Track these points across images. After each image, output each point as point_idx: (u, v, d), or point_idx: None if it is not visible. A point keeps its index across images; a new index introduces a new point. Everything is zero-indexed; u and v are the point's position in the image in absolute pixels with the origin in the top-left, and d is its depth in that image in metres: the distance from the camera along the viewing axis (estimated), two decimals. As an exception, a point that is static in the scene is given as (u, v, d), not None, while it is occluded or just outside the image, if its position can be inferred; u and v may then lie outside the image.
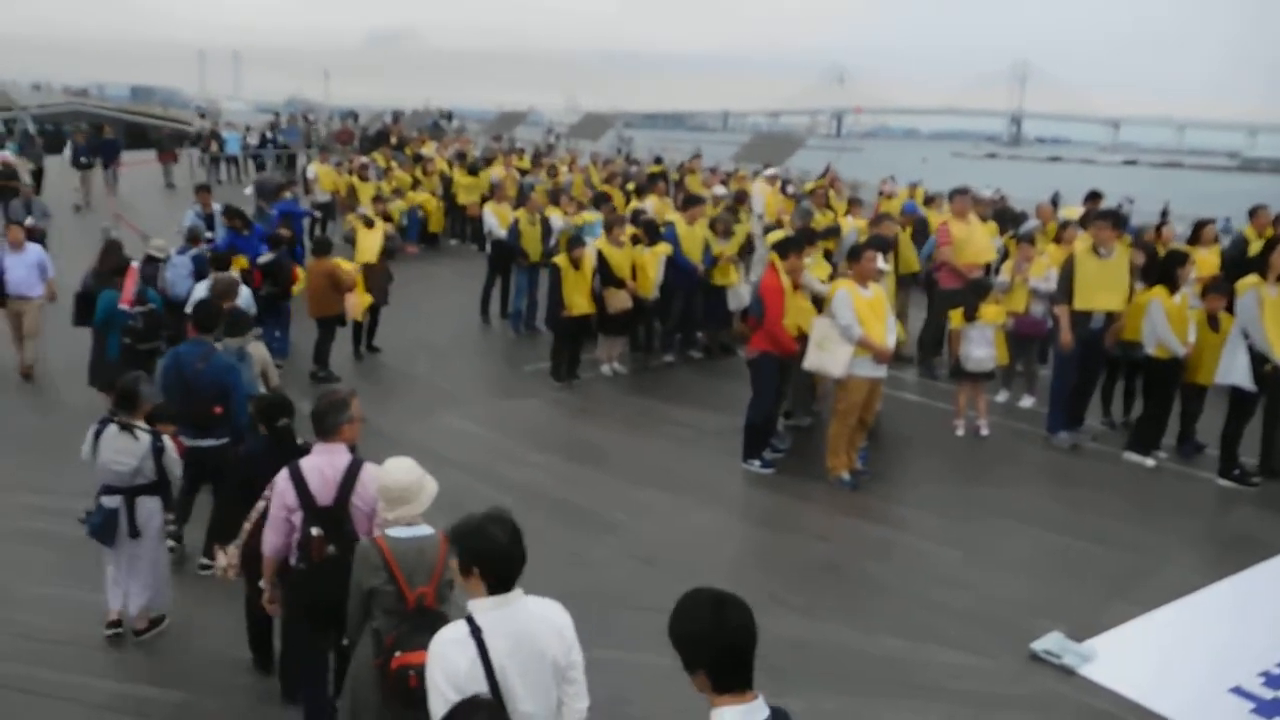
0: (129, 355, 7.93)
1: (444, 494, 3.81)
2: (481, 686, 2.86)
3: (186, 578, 6.01)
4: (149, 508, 5.31)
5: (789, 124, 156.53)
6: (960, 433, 9.11)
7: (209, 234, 11.19)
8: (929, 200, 15.16)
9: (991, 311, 8.91)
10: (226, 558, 4.67)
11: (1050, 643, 5.52)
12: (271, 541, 4.16)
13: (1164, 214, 22.01)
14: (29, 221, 11.67)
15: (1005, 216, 13.59)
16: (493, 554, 2.92)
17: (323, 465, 4.12)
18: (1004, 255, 11.00)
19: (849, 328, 7.45)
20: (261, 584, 4.34)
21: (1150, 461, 8.43)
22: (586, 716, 3.12)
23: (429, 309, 13.13)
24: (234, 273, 8.62)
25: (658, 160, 24.67)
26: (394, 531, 3.60)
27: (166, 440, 5.36)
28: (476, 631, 2.87)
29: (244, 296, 8.16)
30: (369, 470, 4.13)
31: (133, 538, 5.26)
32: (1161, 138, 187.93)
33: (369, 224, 11.25)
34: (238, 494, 4.74)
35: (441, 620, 3.26)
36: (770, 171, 17.82)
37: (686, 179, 17.37)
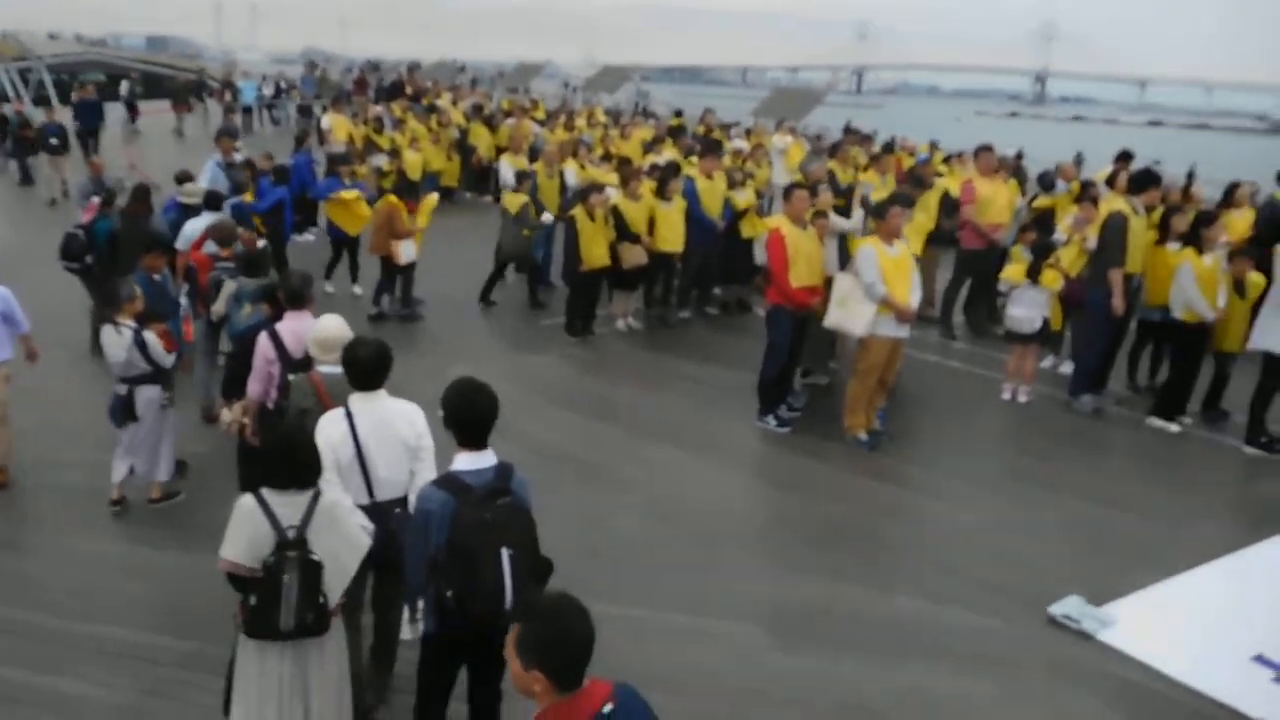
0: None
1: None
2: (350, 450, 4.05)
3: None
4: (147, 395, 6.08)
5: (809, 79, 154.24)
6: (1006, 396, 8.89)
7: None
8: (947, 160, 14.83)
9: (1049, 276, 8.48)
10: (232, 413, 5.50)
11: (1068, 607, 5.45)
12: (254, 388, 5.31)
13: (1190, 175, 21.63)
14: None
15: (1020, 177, 13.31)
16: (349, 366, 4.14)
17: (295, 327, 5.29)
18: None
19: (873, 286, 7.30)
20: (245, 419, 5.40)
21: (1175, 427, 8.28)
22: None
23: (443, 263, 12.98)
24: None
25: (678, 114, 24.28)
26: (323, 368, 4.67)
27: (148, 334, 6.01)
28: (349, 415, 4.10)
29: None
30: None
31: (132, 421, 6.05)
32: (1189, 99, 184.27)
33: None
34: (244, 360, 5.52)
35: None
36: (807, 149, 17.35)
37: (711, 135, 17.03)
